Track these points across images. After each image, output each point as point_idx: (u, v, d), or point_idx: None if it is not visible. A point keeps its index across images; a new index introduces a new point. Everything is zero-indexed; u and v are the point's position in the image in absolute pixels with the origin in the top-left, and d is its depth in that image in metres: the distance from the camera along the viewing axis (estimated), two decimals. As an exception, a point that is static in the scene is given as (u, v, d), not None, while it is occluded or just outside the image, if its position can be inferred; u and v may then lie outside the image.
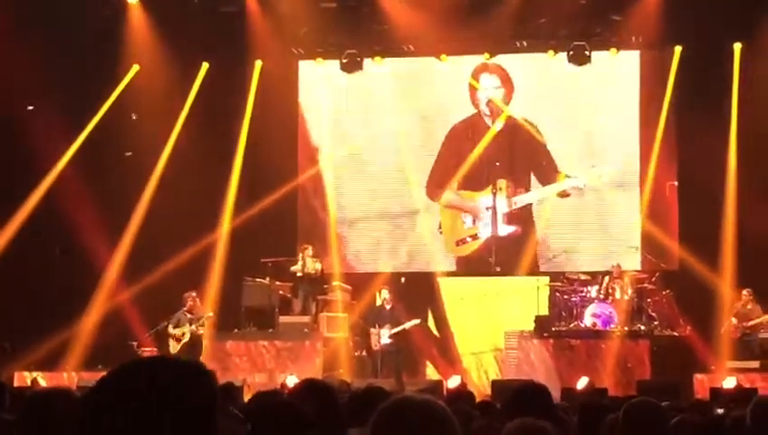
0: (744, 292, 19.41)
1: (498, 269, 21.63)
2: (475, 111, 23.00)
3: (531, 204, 22.64)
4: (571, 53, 21.95)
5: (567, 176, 22.29)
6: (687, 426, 6.14)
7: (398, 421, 2.69)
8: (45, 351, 19.39)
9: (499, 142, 22.61)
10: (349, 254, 23.05)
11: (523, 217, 22.53)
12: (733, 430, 6.08)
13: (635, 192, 22.21)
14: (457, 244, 22.88)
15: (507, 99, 22.87)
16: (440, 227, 22.97)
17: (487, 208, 22.10)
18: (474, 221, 22.76)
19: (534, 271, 21.83)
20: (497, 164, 22.51)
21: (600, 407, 6.88)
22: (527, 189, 22.60)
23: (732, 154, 21.07)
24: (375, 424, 2.71)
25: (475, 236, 22.69)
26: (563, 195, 22.39)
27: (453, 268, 22.82)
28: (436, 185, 23.02)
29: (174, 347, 19.30)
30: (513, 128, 22.69)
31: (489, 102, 22.78)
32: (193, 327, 19.25)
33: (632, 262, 21.13)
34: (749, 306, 19.33)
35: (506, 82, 22.90)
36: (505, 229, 22.21)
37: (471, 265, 22.59)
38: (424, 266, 22.80)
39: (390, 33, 22.40)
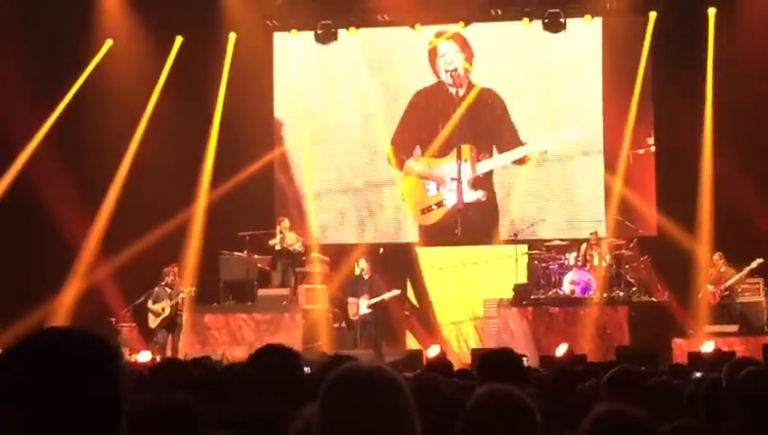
0: (716, 256, 19.47)
1: (457, 238, 21.64)
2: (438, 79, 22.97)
3: (492, 172, 22.54)
4: (546, 20, 21.94)
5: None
6: (665, 389, 6.14)
7: (346, 391, 2.65)
8: (23, 328, 19.26)
9: (463, 110, 22.51)
10: (322, 226, 22.97)
11: (487, 185, 22.50)
12: (709, 393, 6.08)
13: (599, 159, 22.18)
14: (423, 212, 22.84)
15: (468, 66, 22.78)
16: (402, 196, 22.95)
17: (452, 179, 22.07)
18: (438, 188, 22.74)
19: (500, 240, 21.86)
20: (459, 131, 22.42)
21: (576, 372, 6.91)
22: (491, 156, 22.54)
23: (708, 119, 21.05)
24: (323, 395, 2.67)
25: (440, 204, 22.66)
26: (523, 161, 22.30)
27: (417, 238, 22.80)
28: (399, 151, 22.94)
29: (153, 322, 19.24)
30: (478, 96, 22.63)
31: (452, 72, 22.67)
32: (173, 302, 19.18)
33: (599, 229, 20.99)
34: (722, 269, 19.38)
35: (465, 48, 22.82)
36: (471, 195, 22.21)
37: (436, 234, 22.57)
38: (394, 237, 22.78)
39: (365, 3, 22.32)
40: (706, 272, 19.67)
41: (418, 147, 22.85)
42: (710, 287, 19.37)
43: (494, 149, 22.53)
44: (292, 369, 4.55)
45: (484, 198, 22.37)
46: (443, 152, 22.56)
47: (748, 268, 19.10)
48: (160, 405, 3.53)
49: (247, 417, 4.33)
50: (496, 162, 22.48)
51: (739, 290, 19.45)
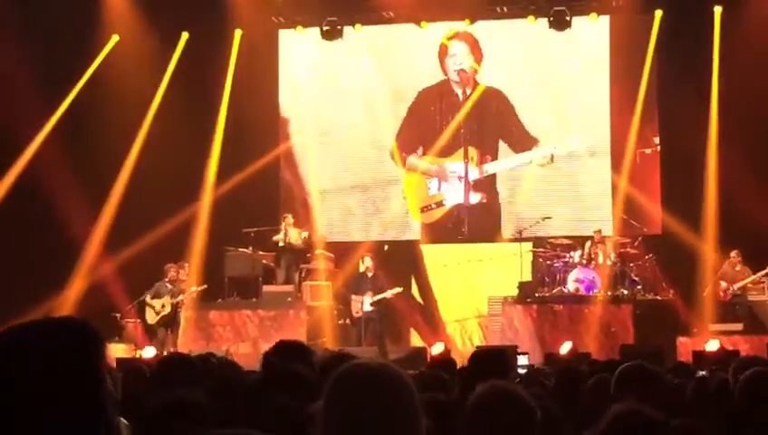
0: (733, 253, 19.34)
1: (464, 235, 21.66)
2: (445, 77, 22.94)
3: (495, 175, 22.48)
4: (552, 18, 21.91)
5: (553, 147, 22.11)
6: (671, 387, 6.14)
7: (351, 388, 2.64)
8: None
9: (468, 109, 22.50)
10: (327, 223, 22.94)
11: (489, 188, 22.47)
12: (717, 392, 6.08)
13: (605, 158, 22.12)
14: (422, 210, 22.81)
15: (476, 66, 22.75)
16: (403, 193, 22.93)
17: (460, 178, 22.05)
18: (439, 187, 22.70)
19: (503, 238, 21.83)
20: (461, 131, 22.41)
21: (579, 372, 6.90)
22: (494, 157, 22.50)
23: (713, 118, 21.04)
24: (328, 392, 2.66)
25: (440, 203, 22.62)
26: (542, 163, 22.26)
27: (418, 236, 22.77)
28: (403, 149, 22.93)
29: (152, 319, 19.27)
30: (483, 95, 22.60)
31: (460, 71, 22.66)
32: (174, 300, 19.19)
33: (605, 228, 20.97)
34: (738, 268, 19.31)
35: (475, 49, 22.78)
36: (474, 197, 22.20)
37: (437, 233, 22.55)
38: (399, 234, 22.76)
39: (370, -1, 22.35)
40: (714, 269, 19.63)
41: (421, 145, 22.81)
42: (723, 284, 19.30)
43: (500, 151, 22.47)
44: (307, 364, 4.56)
45: (485, 201, 22.33)
46: (446, 152, 22.52)
47: (765, 272, 19.07)
48: (171, 401, 3.54)
49: (268, 413, 4.33)
50: (501, 166, 22.41)
51: (747, 287, 19.41)
